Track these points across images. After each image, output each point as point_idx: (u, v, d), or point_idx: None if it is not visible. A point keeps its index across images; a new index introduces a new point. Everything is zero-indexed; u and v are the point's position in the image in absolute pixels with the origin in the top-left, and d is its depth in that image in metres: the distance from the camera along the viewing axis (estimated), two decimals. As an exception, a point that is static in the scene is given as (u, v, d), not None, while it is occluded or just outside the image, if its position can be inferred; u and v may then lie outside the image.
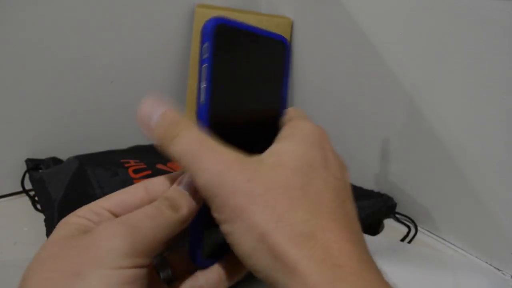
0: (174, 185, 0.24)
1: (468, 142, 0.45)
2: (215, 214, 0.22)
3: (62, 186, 0.48)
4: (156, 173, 0.50)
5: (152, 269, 0.25)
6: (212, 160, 0.22)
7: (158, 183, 0.25)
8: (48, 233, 0.42)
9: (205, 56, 0.24)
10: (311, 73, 0.62)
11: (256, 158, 0.23)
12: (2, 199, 0.54)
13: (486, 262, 0.46)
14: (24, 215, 0.51)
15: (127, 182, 0.48)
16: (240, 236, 0.21)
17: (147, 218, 0.22)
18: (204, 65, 0.24)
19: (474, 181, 0.45)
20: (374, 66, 0.52)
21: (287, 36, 0.63)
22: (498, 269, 0.44)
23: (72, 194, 0.47)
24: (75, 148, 0.57)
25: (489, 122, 0.43)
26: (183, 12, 0.62)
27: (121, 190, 0.25)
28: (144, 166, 0.51)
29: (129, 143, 0.64)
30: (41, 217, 0.46)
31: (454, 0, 0.43)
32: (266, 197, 0.21)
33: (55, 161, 0.56)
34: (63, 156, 0.56)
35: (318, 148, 0.25)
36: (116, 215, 0.24)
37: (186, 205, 0.23)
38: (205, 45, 0.24)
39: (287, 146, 0.24)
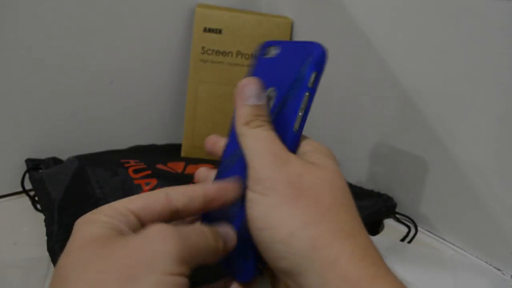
0: (224, 228, 0.26)
1: (468, 142, 0.45)
2: (256, 191, 0.24)
3: (62, 186, 0.48)
4: (156, 173, 0.50)
5: None
6: (270, 156, 0.25)
7: (180, 193, 0.25)
8: (48, 233, 0.42)
9: (311, 85, 0.26)
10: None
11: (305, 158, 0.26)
12: (2, 199, 0.54)
13: (486, 262, 0.46)
14: (24, 215, 0.51)
15: (127, 182, 0.48)
16: (281, 221, 0.23)
17: (194, 231, 0.23)
18: (306, 93, 0.26)
19: (474, 181, 0.45)
20: (374, 66, 0.52)
21: (287, 36, 0.63)
22: (498, 269, 0.44)
23: (72, 194, 0.47)
24: (75, 148, 0.57)
25: (489, 122, 0.43)
26: (183, 12, 0.62)
27: (141, 194, 0.25)
28: (144, 166, 0.51)
29: (129, 143, 0.64)
30: (41, 217, 0.46)
31: (454, 0, 0.43)
32: (313, 191, 0.23)
33: (55, 161, 0.56)
34: (63, 156, 0.56)
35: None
36: (140, 219, 0.24)
37: (222, 242, 0.25)
38: (313, 74, 0.26)
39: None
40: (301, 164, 0.25)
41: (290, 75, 0.27)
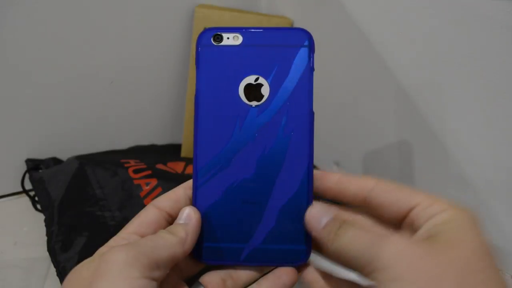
0: (176, 221, 0.28)
1: (468, 141, 0.45)
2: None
3: (62, 186, 0.48)
4: (156, 173, 0.50)
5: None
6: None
7: (164, 199, 0.28)
8: (48, 233, 0.42)
9: (314, 66, 0.30)
10: (311, 73, 0.62)
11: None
12: (2, 199, 0.54)
13: (486, 262, 0.46)
14: (24, 215, 0.51)
15: (127, 182, 0.48)
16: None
17: (147, 239, 0.25)
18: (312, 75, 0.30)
19: (474, 181, 0.45)
20: (374, 66, 0.52)
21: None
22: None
23: (72, 194, 0.47)
24: (75, 148, 0.57)
25: (489, 122, 0.43)
26: (183, 12, 0.62)
27: (136, 215, 0.28)
28: (144, 166, 0.51)
29: (129, 143, 0.64)
30: (41, 217, 0.46)
31: (454, 0, 0.43)
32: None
33: (55, 161, 0.56)
34: (63, 156, 0.56)
35: None
36: (142, 235, 0.27)
37: (182, 230, 0.26)
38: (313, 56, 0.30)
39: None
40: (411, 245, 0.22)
41: (283, 60, 0.28)
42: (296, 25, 0.63)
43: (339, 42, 0.57)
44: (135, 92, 0.62)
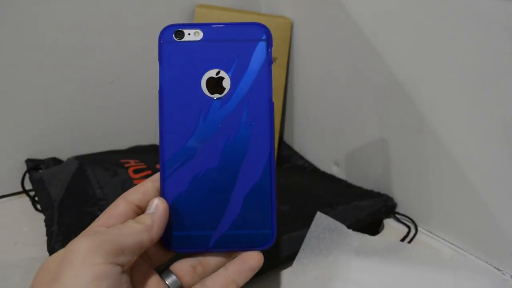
0: (145, 212, 0.29)
1: (468, 141, 0.45)
2: None
3: (62, 186, 0.48)
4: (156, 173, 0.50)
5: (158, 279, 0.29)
6: None
7: (133, 192, 0.29)
8: (48, 233, 0.42)
9: (272, 60, 0.32)
10: (311, 73, 0.62)
11: None
12: (2, 199, 0.54)
13: (486, 262, 0.46)
14: (24, 215, 0.51)
15: (127, 182, 0.48)
16: None
17: (113, 228, 0.26)
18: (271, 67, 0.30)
19: (474, 181, 0.45)
20: (374, 66, 0.52)
21: (287, 37, 0.63)
22: (498, 269, 0.44)
23: (72, 194, 0.47)
24: (75, 148, 0.57)
25: (489, 122, 0.43)
26: (183, 12, 0.62)
27: (106, 209, 0.29)
28: (144, 166, 0.51)
29: (129, 143, 0.64)
30: (41, 217, 0.46)
31: (454, 0, 0.43)
32: None
33: (55, 161, 0.56)
34: (63, 156, 0.56)
35: None
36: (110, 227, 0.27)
37: (149, 218, 0.27)
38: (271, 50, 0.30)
39: None
40: None
41: (243, 54, 0.29)
42: (297, 25, 0.63)
43: (339, 42, 0.57)
44: (135, 92, 0.62)
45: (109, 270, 0.23)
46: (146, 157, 0.56)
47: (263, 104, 0.29)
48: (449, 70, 0.45)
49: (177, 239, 0.29)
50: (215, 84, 0.29)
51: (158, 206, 0.28)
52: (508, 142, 0.42)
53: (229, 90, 0.29)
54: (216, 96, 0.29)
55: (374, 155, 0.56)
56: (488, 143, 0.43)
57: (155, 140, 0.67)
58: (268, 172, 0.29)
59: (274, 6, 0.66)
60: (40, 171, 0.54)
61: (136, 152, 0.62)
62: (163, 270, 0.29)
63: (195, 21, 0.60)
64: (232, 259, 0.30)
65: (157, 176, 0.30)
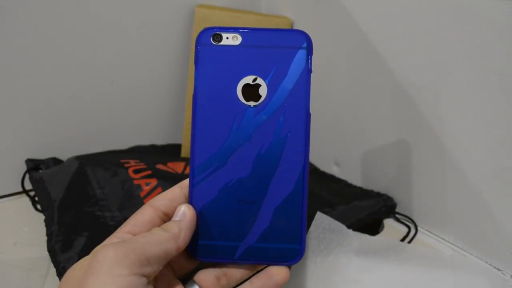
0: (172, 218, 0.28)
1: (468, 141, 0.45)
2: None
3: (62, 186, 0.48)
4: (156, 173, 0.50)
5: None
6: None
7: (160, 198, 0.29)
8: (48, 233, 0.42)
9: (311, 68, 0.29)
10: (311, 73, 0.62)
11: None
12: (2, 199, 0.54)
13: (486, 262, 0.46)
14: (24, 215, 0.51)
15: (127, 182, 0.48)
16: None
17: (139, 236, 0.25)
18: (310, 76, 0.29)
19: (474, 181, 0.45)
20: (374, 66, 0.52)
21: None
22: (498, 269, 0.44)
23: (72, 194, 0.47)
24: (75, 148, 0.57)
25: (489, 122, 0.43)
26: (183, 12, 0.62)
27: (133, 215, 0.28)
28: (144, 166, 0.51)
29: (129, 143, 0.64)
30: (41, 217, 0.46)
31: (454, 0, 0.43)
32: None
33: (55, 161, 0.56)
34: (63, 156, 0.56)
35: None
36: (135, 234, 0.27)
37: (176, 226, 0.27)
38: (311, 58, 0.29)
39: None
40: None
41: (282, 62, 0.28)
42: (296, 25, 0.63)
43: (338, 42, 0.57)
44: (135, 92, 0.62)
45: (135, 282, 0.23)
46: (146, 157, 0.56)
47: (300, 114, 0.28)
48: (449, 70, 0.45)
49: (203, 248, 0.29)
50: (251, 91, 0.28)
51: (185, 213, 0.27)
52: (508, 142, 0.42)
53: (265, 98, 0.28)
54: (251, 103, 0.28)
55: (374, 155, 0.56)
56: (488, 143, 0.43)
57: (155, 140, 0.67)
58: (301, 185, 0.28)
59: (274, 6, 0.66)
60: (40, 171, 0.54)
61: (136, 152, 0.62)
62: (187, 280, 0.29)
63: (195, 20, 0.60)
64: (257, 271, 0.29)
65: (185, 182, 0.29)
